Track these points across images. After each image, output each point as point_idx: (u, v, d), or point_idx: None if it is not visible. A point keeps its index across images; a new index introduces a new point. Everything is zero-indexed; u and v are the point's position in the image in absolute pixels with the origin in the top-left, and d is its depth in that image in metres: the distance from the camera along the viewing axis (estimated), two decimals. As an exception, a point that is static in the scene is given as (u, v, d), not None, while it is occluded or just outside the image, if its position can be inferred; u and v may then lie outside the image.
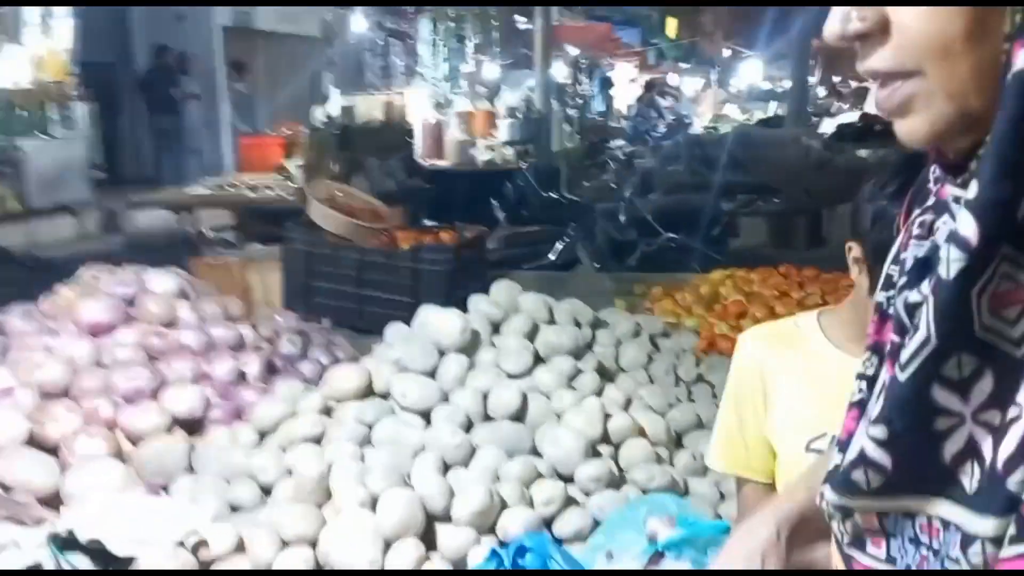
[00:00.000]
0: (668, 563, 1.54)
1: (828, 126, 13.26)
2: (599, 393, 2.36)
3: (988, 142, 0.57)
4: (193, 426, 2.41)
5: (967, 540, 0.63)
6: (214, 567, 1.91)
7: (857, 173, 8.83)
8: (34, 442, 2.22)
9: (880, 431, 0.68)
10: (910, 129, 0.64)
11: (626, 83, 18.22)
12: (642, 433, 2.27)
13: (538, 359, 2.45)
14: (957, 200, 0.63)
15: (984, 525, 0.61)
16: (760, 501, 1.68)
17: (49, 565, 1.89)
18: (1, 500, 2.04)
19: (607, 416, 2.24)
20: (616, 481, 2.12)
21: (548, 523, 1.94)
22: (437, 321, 2.41)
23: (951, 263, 0.60)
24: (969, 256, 0.60)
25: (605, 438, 2.22)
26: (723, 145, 9.22)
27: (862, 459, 0.70)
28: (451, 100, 10.51)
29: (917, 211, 0.72)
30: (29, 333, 2.64)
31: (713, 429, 1.72)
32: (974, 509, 0.63)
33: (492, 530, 1.91)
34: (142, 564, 1.86)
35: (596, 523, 1.97)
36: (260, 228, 7.88)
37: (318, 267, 4.28)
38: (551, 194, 7.84)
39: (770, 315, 3.70)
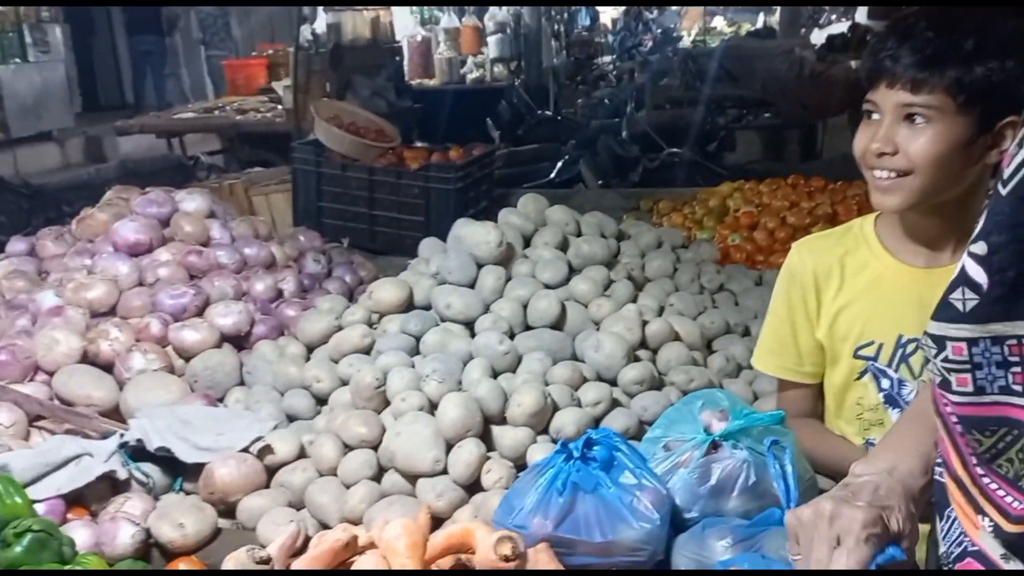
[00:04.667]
0: (725, 452, 1.65)
1: (818, 37, 13.21)
2: (634, 301, 2.46)
3: None
4: (239, 341, 2.49)
5: None
6: (280, 471, 2.01)
7: (850, 85, 8.88)
8: (87, 359, 2.31)
9: (979, 247, 0.76)
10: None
11: (610, -4, 17.93)
12: (677, 338, 2.37)
13: (570, 269, 2.54)
14: None
15: None
16: (802, 403, 1.79)
17: (122, 474, 1.98)
18: (66, 413, 2.12)
19: (644, 322, 2.34)
20: (657, 383, 2.22)
21: (596, 423, 2.05)
22: (473, 235, 2.47)
23: None
24: None
25: (643, 343, 2.33)
26: (714, 58, 9.20)
27: (962, 278, 0.78)
28: (438, 16, 10.36)
29: None
30: (64, 255, 2.69)
31: (761, 332, 1.81)
32: None
33: (546, 430, 2.03)
34: (211, 470, 1.96)
35: (640, 423, 2.09)
36: (251, 151, 7.87)
37: (328, 188, 4.32)
38: (545, 112, 7.84)
39: (781, 225, 3.81)
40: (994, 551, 0.83)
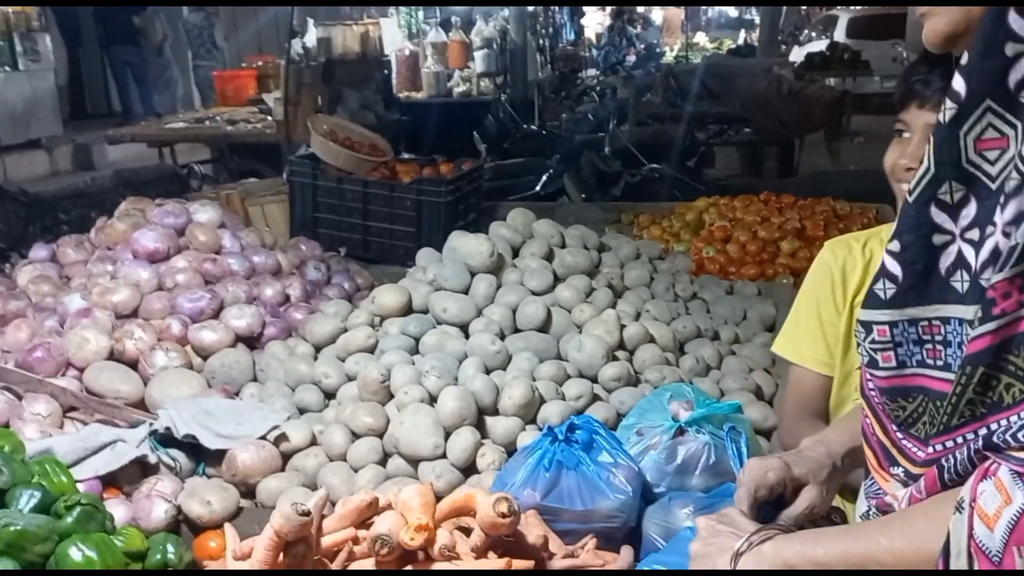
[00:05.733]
0: (689, 436, 1.91)
1: (798, 55, 13.59)
2: (613, 307, 2.72)
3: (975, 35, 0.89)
4: (251, 341, 2.72)
5: (962, 324, 0.93)
6: (295, 457, 2.26)
7: (827, 103, 9.21)
8: (114, 357, 2.54)
9: (895, 244, 1.00)
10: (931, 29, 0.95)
11: (594, 11, 18.33)
12: (652, 340, 2.64)
13: (555, 278, 2.80)
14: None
15: (968, 311, 0.91)
16: (814, 394, 1.89)
17: (152, 458, 2.22)
18: (98, 404, 2.36)
19: (622, 326, 2.61)
20: (633, 380, 2.47)
21: (578, 414, 2.30)
22: (466, 246, 2.72)
23: (946, 111, 0.91)
24: (958, 106, 0.90)
25: (621, 345, 2.59)
26: (695, 75, 9.50)
27: (882, 271, 1.02)
28: (425, 31, 10.64)
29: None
30: (86, 262, 2.92)
31: (786, 322, 1.95)
32: (964, 303, 0.95)
33: (534, 420, 2.29)
34: (233, 455, 2.20)
35: (618, 415, 2.35)
36: (241, 161, 8.07)
37: (324, 200, 4.55)
38: (530, 126, 8.12)
39: (752, 239, 4.08)
40: (898, 491, 1.07)
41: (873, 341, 1.03)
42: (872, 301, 1.05)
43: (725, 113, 9.10)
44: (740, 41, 16.71)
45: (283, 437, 2.26)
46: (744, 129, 9.14)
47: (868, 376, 1.08)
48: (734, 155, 9.48)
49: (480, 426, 2.24)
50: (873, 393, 1.08)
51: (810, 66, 11.74)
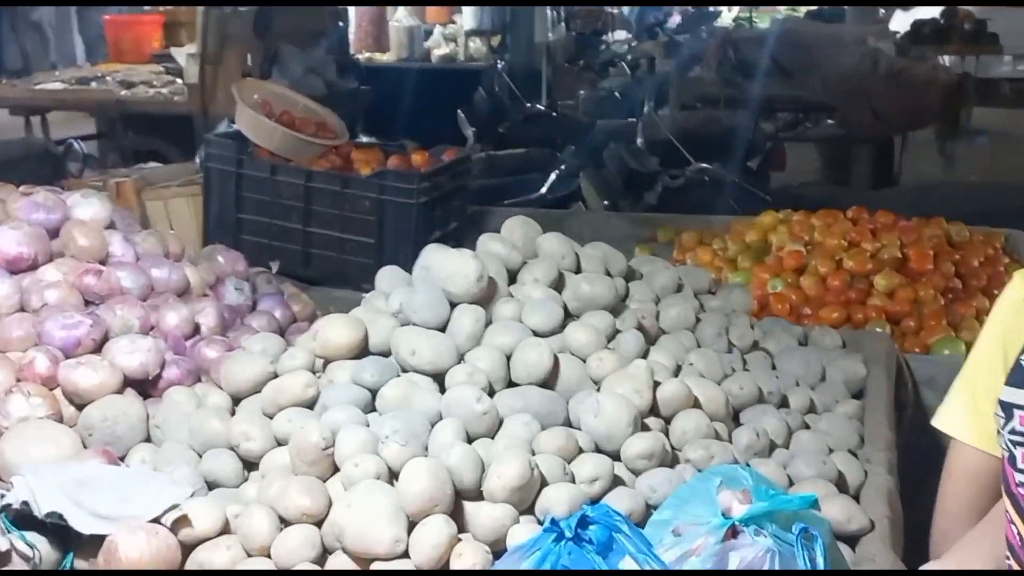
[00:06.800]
0: (745, 539, 1.91)
1: (902, 22, 13.71)
2: (644, 356, 2.72)
3: None
4: (145, 386, 2.70)
5: None
6: (199, 549, 2.24)
7: (941, 88, 9.28)
8: (-47, 402, 2.53)
9: None
10: None
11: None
12: (696, 405, 2.63)
13: (567, 314, 2.80)
14: None
15: None
16: (989, 486, 1.73)
17: (1, 544, 2.21)
18: (-71, 468, 2.34)
19: (656, 384, 2.59)
20: (669, 459, 2.40)
21: (593, 503, 2.29)
22: (446, 265, 2.70)
23: None
24: None
25: (654, 410, 2.56)
26: (762, 45, 9.57)
27: None
28: (397, -29, 10.75)
29: None
30: (-78, 268, 2.92)
31: (955, 383, 1.91)
32: None
33: (531, 509, 2.27)
34: (113, 544, 2.18)
35: (647, 507, 2.35)
36: (139, 139, 8.09)
37: (250, 195, 4.56)
38: (536, 105, 8.16)
39: (836, 271, 4.11)
40: None
41: (1014, 431, 1.04)
42: (1017, 375, 1.06)
43: (801, 98, 9.15)
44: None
45: (184, 520, 2.23)
46: (827, 121, 9.21)
47: (1013, 476, 1.08)
48: (813, 155, 9.52)
49: (457, 515, 2.22)
50: (1021, 491, 1.08)
51: (918, 38, 11.82)
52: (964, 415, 1.83)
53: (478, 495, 2.24)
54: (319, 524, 2.21)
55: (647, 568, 1.79)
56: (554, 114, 7.85)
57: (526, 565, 1.86)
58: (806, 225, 4.46)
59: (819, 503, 2.05)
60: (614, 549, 1.87)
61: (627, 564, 1.82)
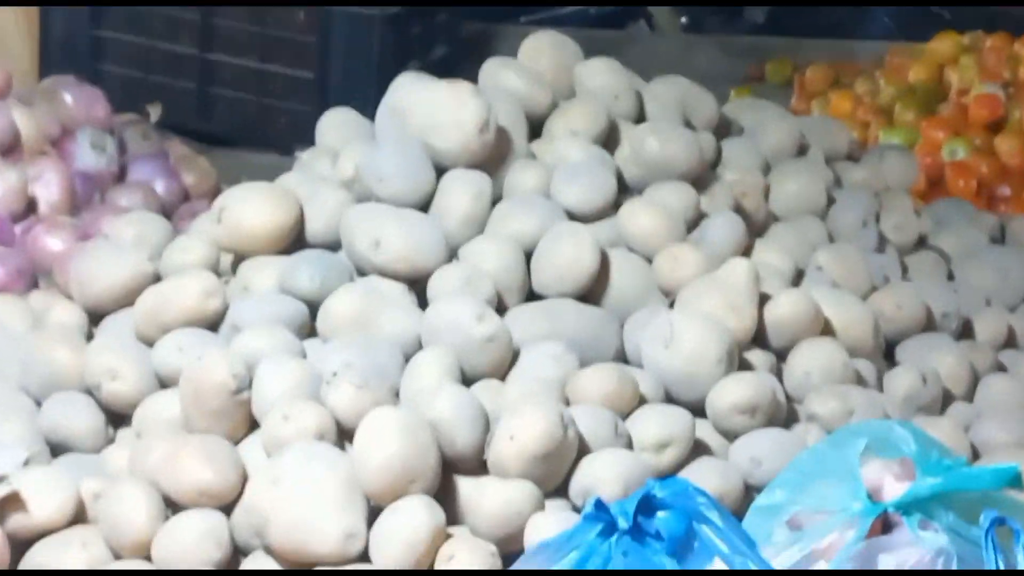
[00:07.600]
0: (904, 534, 1.90)
1: None
2: (745, 255, 2.70)
3: None
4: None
5: None
6: (37, 545, 2.24)
7: None
8: None
9: None
10: None
11: None
12: (827, 331, 2.61)
13: (621, 186, 2.77)
14: None
15: None
16: None
17: None
18: None
19: (764, 297, 2.58)
20: (782, 413, 2.47)
21: (663, 479, 2.26)
22: (431, 108, 2.70)
23: None
24: None
25: (759, 338, 2.56)
26: None
27: None
28: None
29: None
30: None
31: None
32: None
33: (563, 488, 2.26)
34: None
35: (747, 488, 2.34)
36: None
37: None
38: None
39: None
40: None
41: None
42: None
43: None
44: None
45: (14, 502, 2.24)
46: None
47: None
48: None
49: (447, 497, 2.22)
50: None
51: None
52: None
53: (480, 467, 2.23)
54: (227, 510, 2.20)
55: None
56: None
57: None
58: (1005, 55, 4.41)
59: (1022, 480, 2.03)
60: (696, 548, 1.84)
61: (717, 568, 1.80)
